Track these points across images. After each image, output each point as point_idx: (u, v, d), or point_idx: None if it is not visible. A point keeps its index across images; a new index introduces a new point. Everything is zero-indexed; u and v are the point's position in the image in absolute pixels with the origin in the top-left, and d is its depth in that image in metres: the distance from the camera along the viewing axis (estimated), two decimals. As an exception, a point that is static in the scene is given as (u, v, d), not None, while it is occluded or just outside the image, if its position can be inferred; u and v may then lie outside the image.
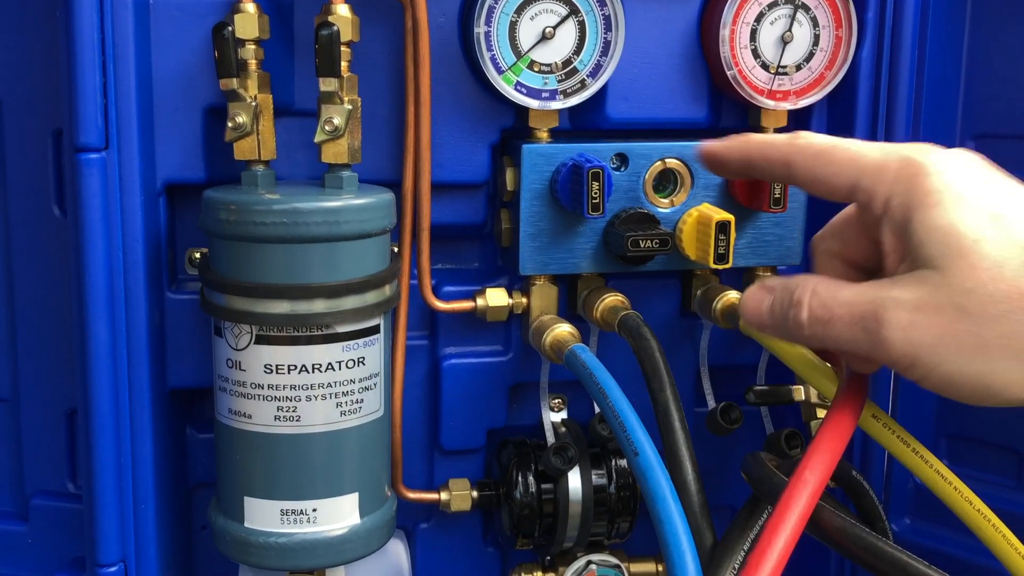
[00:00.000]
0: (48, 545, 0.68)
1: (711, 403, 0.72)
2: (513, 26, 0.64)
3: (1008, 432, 0.72)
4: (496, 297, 0.69)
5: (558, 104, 0.66)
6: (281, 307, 0.57)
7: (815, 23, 0.69)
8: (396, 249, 0.67)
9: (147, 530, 0.63)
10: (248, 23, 0.59)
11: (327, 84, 0.58)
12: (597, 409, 0.71)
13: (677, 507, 0.50)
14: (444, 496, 0.71)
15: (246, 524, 0.60)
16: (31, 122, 0.65)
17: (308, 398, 0.59)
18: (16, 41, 0.64)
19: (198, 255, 0.67)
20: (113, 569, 0.62)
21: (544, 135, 0.67)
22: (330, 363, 0.59)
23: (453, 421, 0.71)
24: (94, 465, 0.60)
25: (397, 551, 0.71)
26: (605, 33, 0.66)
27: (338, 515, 0.60)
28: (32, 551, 0.69)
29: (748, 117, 0.71)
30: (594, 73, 0.66)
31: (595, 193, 0.63)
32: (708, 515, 0.55)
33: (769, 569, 0.43)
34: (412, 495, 0.71)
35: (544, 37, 0.65)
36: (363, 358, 0.60)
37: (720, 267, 0.65)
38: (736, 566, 0.51)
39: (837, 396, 0.55)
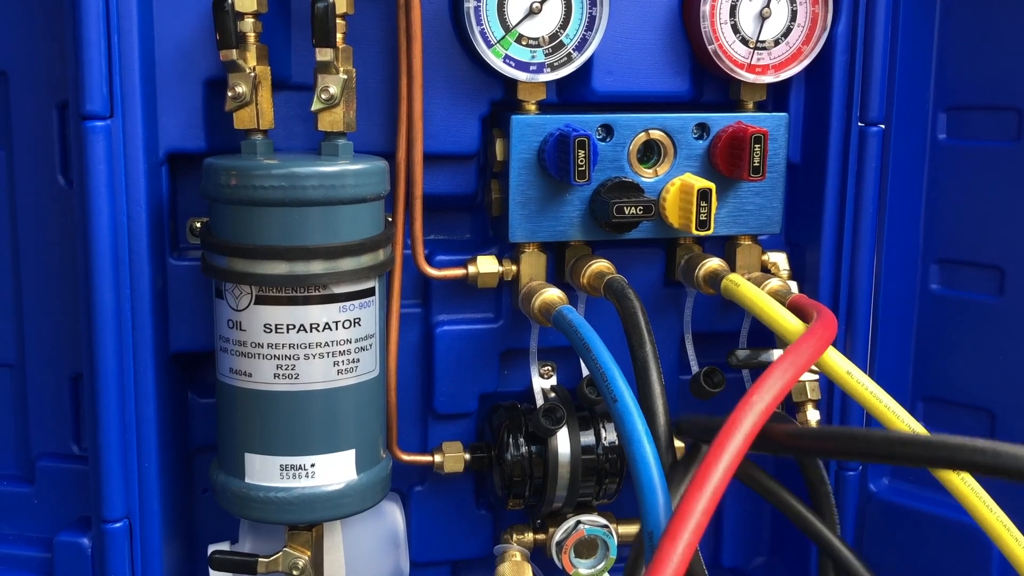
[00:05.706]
0: (53, 506, 0.70)
1: (695, 369, 0.75)
2: (501, 1, 0.67)
3: (982, 393, 0.74)
4: (487, 264, 0.71)
5: (545, 76, 0.68)
6: (280, 268, 0.59)
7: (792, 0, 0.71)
8: (390, 219, 0.69)
9: (150, 488, 0.65)
10: (247, -3, 0.61)
11: (323, 54, 0.61)
12: (585, 373, 0.73)
13: (652, 448, 0.52)
14: (438, 458, 0.74)
15: (247, 480, 0.63)
16: (37, 95, 0.67)
17: (306, 356, 0.61)
18: (22, 15, 0.66)
19: (199, 224, 0.69)
20: (118, 525, 0.64)
21: (532, 107, 0.69)
22: (327, 323, 0.61)
23: (446, 386, 0.73)
24: (99, 425, 0.63)
25: (393, 513, 0.73)
26: (590, 8, 0.68)
27: (336, 471, 0.63)
28: (38, 512, 0.70)
29: (729, 90, 0.74)
30: (580, 47, 0.68)
31: (581, 161, 0.65)
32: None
33: (712, 486, 0.43)
34: (407, 457, 0.73)
35: (531, 12, 0.67)
36: (359, 319, 0.62)
37: (702, 234, 0.67)
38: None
39: (803, 335, 0.57)
